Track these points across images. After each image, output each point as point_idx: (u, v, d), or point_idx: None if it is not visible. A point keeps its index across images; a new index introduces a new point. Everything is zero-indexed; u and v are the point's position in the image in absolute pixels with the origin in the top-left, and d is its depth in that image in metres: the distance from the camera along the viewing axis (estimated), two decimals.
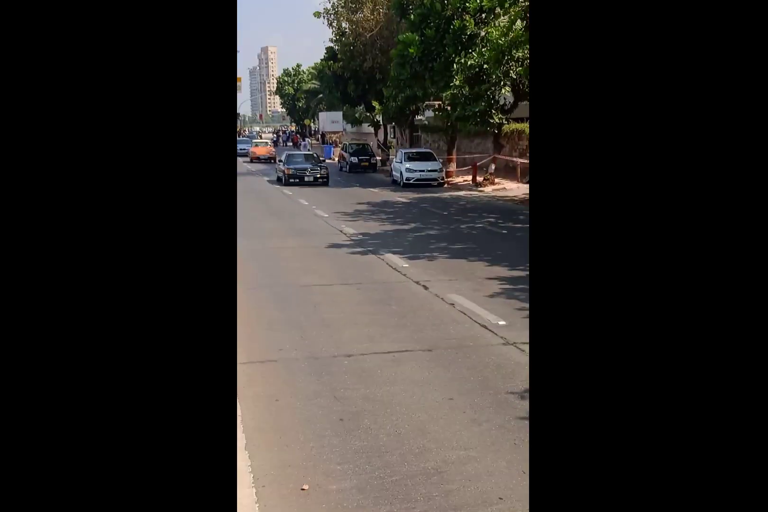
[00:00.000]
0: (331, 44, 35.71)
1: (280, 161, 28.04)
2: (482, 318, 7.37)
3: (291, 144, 66.73)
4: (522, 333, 6.71)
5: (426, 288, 9.01)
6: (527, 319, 7.17)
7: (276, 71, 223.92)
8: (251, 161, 41.65)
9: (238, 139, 54.87)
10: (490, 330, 6.96)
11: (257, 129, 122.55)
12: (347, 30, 32.34)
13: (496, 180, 24.70)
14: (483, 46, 21.61)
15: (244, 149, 47.13)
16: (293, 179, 25.72)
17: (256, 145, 45.66)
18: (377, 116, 37.32)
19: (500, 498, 3.82)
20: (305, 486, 3.99)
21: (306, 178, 25.72)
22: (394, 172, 27.31)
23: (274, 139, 75.02)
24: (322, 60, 40.95)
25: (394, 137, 41.45)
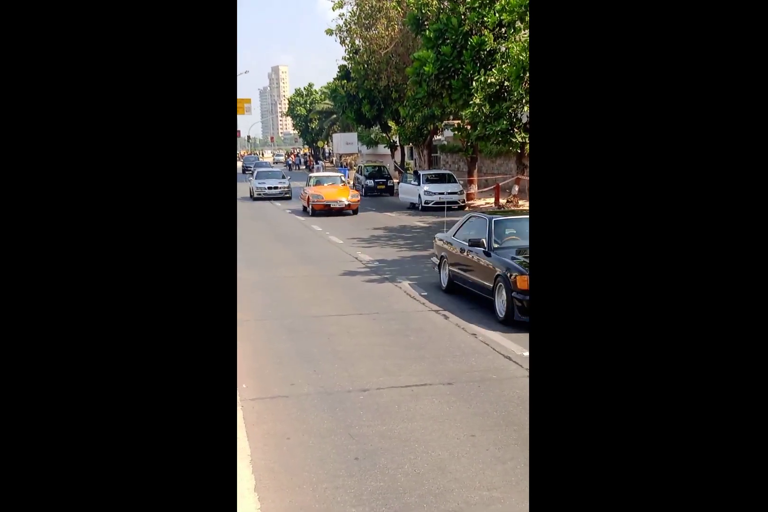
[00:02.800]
0: (344, 62, 36.16)
1: (475, 249, 9.59)
2: (506, 349, 7.35)
3: (305, 167, 67.18)
4: None
5: (446, 317, 9.00)
6: None
7: (288, 91, 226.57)
8: (310, 212, 23.61)
9: (259, 170, 34.31)
10: (514, 362, 6.93)
11: (269, 152, 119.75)
12: (361, 47, 32.73)
13: (520, 202, 24.72)
14: (503, 62, 21.76)
15: (275, 187, 30.75)
16: None
17: (317, 183, 25.83)
18: (394, 137, 37.57)
19: None
20: None
21: None
22: (402, 195, 27.28)
23: (287, 162, 75.05)
24: (335, 79, 41.37)
25: (412, 158, 41.68)
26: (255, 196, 31.09)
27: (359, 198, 24.44)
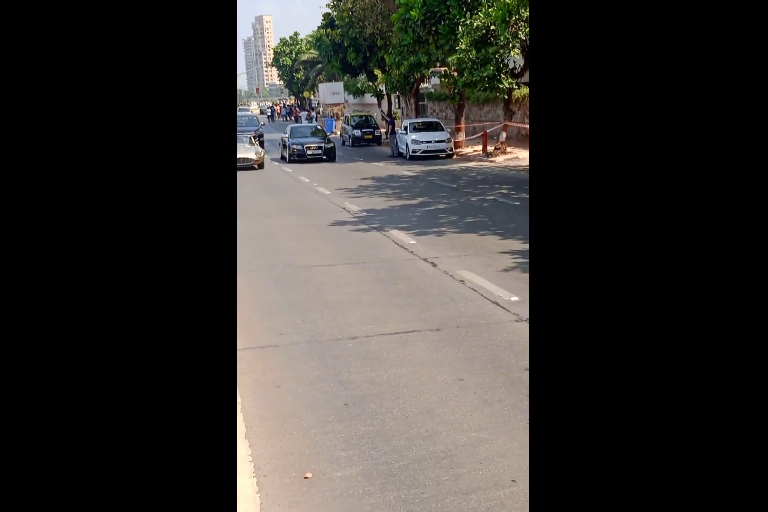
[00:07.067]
0: (328, 10, 35.46)
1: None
2: (493, 295, 7.37)
3: (292, 118, 66.38)
4: None
5: (434, 265, 9.01)
6: None
7: (272, 41, 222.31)
8: None
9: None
10: (501, 307, 6.96)
11: (254, 104, 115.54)
12: None
13: (508, 149, 24.58)
14: (489, 6, 21.38)
15: None
16: None
17: None
18: (380, 86, 37.07)
19: (513, 481, 3.84)
20: (308, 474, 4.02)
21: None
22: (399, 144, 26.84)
23: (269, 114, 73.84)
24: (319, 27, 40.55)
25: (399, 107, 41.22)
26: None
27: None
